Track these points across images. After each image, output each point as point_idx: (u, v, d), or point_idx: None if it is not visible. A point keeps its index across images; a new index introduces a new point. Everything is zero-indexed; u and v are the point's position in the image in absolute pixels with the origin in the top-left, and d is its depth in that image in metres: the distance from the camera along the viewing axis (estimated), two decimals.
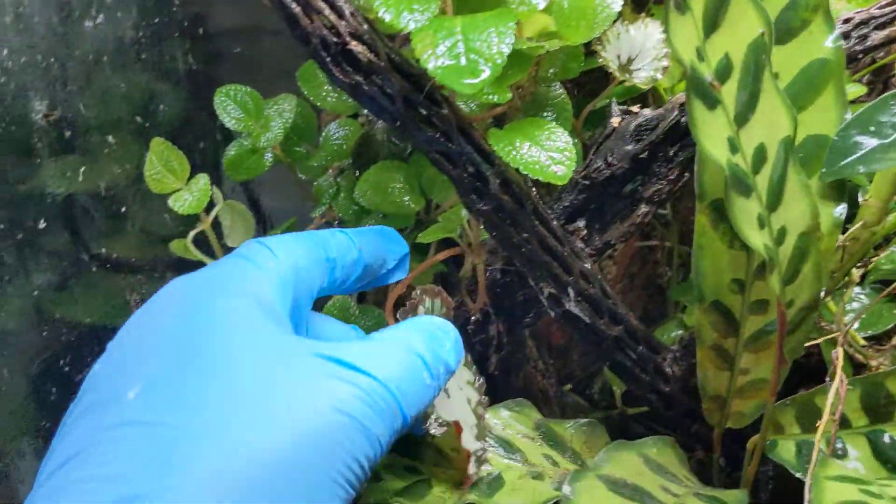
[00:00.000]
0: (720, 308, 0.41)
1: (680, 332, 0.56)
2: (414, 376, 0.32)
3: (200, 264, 0.55)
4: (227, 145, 0.51)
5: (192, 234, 0.49)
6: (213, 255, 0.52)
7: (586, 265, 0.46)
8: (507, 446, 0.42)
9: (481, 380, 0.42)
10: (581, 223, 0.47)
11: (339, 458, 0.26)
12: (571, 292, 0.45)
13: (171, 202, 0.46)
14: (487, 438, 0.42)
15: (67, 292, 0.49)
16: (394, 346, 0.33)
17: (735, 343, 0.41)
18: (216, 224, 0.52)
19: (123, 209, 0.48)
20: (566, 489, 0.37)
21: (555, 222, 0.45)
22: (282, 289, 0.33)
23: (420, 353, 0.33)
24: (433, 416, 0.39)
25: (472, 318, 0.50)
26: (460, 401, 0.40)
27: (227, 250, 0.54)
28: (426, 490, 0.38)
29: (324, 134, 0.54)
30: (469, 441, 0.39)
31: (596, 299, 0.46)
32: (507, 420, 0.43)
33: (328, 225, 0.58)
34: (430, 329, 0.35)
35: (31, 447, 0.48)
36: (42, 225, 0.42)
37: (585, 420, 0.45)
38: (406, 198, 0.49)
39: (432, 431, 0.38)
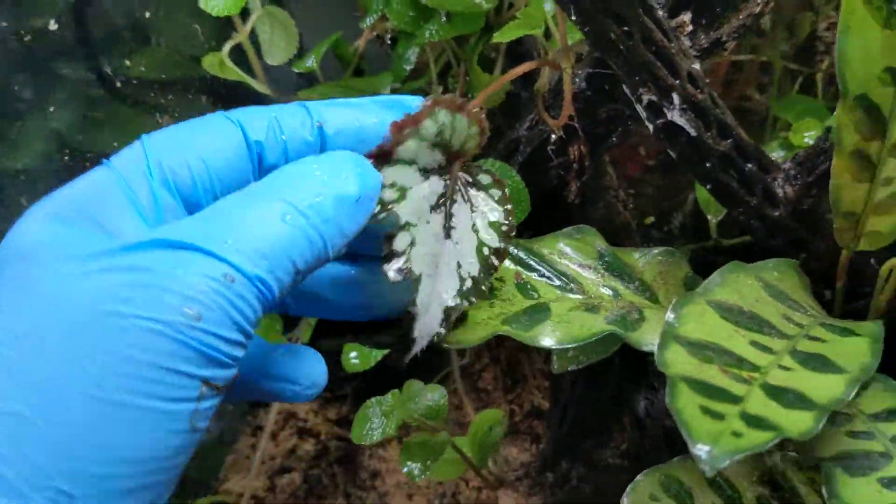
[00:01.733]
0: (866, 103, 0.34)
1: (783, 153, 0.50)
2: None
3: (237, 85, 0.48)
4: None
5: (227, 46, 0.43)
6: (251, 74, 0.45)
7: (695, 66, 0.39)
8: (563, 278, 0.37)
9: (509, 222, 0.33)
10: (686, 17, 0.40)
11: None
12: (676, 99, 0.38)
13: (201, 3, 0.39)
14: (539, 267, 0.37)
15: (91, 121, 0.43)
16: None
17: (880, 147, 0.35)
18: (253, 38, 0.45)
19: (147, 15, 0.41)
20: (670, 316, 0.31)
21: (661, 12, 0.37)
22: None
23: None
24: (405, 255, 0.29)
25: (553, 136, 0.43)
26: (466, 236, 0.32)
27: (267, 68, 0.47)
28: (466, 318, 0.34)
29: None
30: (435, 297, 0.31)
31: (704, 107, 0.39)
32: (563, 250, 0.38)
33: (379, 39, 0.51)
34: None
35: None
36: (53, 26, 0.35)
37: (662, 248, 0.39)
38: None
39: (389, 276, 0.29)
